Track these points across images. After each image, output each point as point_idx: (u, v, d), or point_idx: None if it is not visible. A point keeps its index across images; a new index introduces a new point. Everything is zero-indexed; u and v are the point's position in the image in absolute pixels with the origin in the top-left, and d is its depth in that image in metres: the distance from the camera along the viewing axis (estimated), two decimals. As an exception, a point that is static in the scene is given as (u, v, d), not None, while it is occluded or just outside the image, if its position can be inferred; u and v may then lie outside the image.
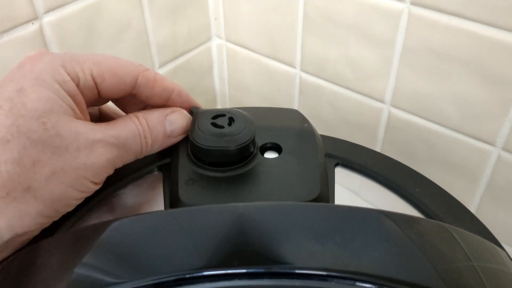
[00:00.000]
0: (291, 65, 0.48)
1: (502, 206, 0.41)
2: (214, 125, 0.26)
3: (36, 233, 0.23)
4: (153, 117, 0.26)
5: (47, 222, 0.23)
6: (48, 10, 0.37)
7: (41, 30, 0.37)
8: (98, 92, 0.26)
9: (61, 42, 0.38)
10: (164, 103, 0.28)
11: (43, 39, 0.37)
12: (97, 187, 0.24)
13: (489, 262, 0.21)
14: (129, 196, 0.29)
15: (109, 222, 0.21)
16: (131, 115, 0.26)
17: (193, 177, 0.26)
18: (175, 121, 0.27)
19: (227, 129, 0.26)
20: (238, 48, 0.52)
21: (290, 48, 0.47)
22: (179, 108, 0.28)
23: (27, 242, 0.24)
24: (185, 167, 0.26)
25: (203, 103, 0.56)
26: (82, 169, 0.23)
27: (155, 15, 0.45)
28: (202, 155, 0.26)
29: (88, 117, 0.25)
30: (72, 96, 0.24)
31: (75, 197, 0.23)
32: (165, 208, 0.26)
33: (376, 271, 0.18)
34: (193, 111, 0.28)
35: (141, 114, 0.26)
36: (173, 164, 0.27)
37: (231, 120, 0.27)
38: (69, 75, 0.24)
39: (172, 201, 0.25)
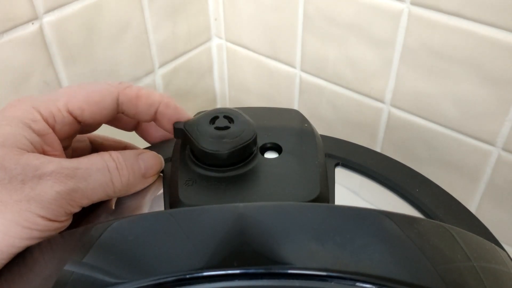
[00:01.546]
0: (291, 65, 0.48)
1: (502, 206, 0.41)
2: (214, 127, 0.26)
3: None
4: (127, 153, 0.25)
5: None
6: (48, 10, 0.37)
7: (41, 30, 0.37)
8: (80, 123, 0.26)
9: (61, 42, 0.38)
10: (152, 118, 0.27)
11: (43, 39, 0.37)
12: (53, 225, 0.22)
13: (489, 262, 0.21)
14: (129, 196, 0.29)
15: (109, 222, 0.21)
16: (102, 152, 0.25)
17: (193, 177, 0.26)
18: (148, 160, 0.26)
19: (227, 130, 0.26)
20: (238, 48, 0.52)
21: (290, 48, 0.47)
22: (148, 150, 0.27)
23: None
24: (185, 167, 0.26)
25: (203, 103, 0.57)
26: (25, 202, 0.21)
27: (155, 15, 0.45)
28: (204, 158, 0.26)
29: (62, 155, 0.25)
30: (41, 135, 0.24)
31: (21, 234, 0.21)
32: (165, 208, 0.26)
33: (376, 272, 0.18)
34: (175, 126, 0.28)
35: (114, 151, 0.25)
36: (173, 164, 0.27)
37: (230, 121, 0.27)
38: (42, 115, 0.24)
39: (172, 201, 0.25)
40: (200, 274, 0.18)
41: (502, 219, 0.42)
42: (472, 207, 0.43)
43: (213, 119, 0.27)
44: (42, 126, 0.24)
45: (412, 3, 0.37)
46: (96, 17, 0.40)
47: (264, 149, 0.28)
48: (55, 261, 0.21)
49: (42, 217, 0.22)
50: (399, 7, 0.38)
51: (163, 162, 0.27)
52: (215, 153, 0.25)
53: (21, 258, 0.22)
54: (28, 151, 0.23)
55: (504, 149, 0.38)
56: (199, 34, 0.51)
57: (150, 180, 0.26)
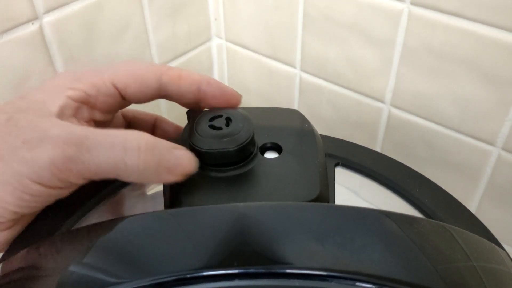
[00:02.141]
0: (291, 65, 0.48)
1: (502, 206, 0.41)
2: (212, 127, 0.26)
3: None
4: (161, 142, 0.23)
5: None
6: (48, 10, 0.37)
7: (41, 30, 0.37)
8: (123, 98, 0.26)
9: (61, 42, 0.38)
10: (196, 98, 0.27)
11: (43, 39, 0.37)
12: (49, 192, 0.21)
13: (489, 262, 0.21)
14: (129, 196, 0.29)
15: (109, 222, 0.21)
16: (134, 130, 0.23)
17: (193, 177, 0.26)
18: (181, 158, 0.24)
19: (225, 130, 0.26)
20: (238, 48, 0.52)
21: (290, 48, 0.47)
22: (186, 149, 0.25)
23: None
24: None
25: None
26: (17, 163, 0.20)
27: (155, 15, 0.45)
28: (202, 158, 0.26)
29: (91, 125, 0.25)
30: (76, 105, 0.24)
31: (14, 196, 0.21)
32: (165, 208, 0.26)
33: (376, 271, 0.18)
34: (188, 114, 0.28)
35: (147, 134, 0.23)
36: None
37: (228, 120, 0.27)
38: (83, 85, 0.25)
39: (172, 201, 0.25)
40: (200, 274, 0.18)
41: (502, 219, 0.42)
42: (472, 207, 0.43)
43: (214, 118, 0.27)
44: (79, 95, 0.24)
45: (412, 3, 0.37)
46: (96, 17, 0.40)
47: (264, 149, 0.28)
48: (55, 260, 0.21)
49: (35, 182, 0.21)
50: (399, 7, 0.38)
51: (196, 167, 0.25)
52: (211, 152, 0.25)
53: (21, 258, 0.22)
54: (51, 117, 0.22)
55: (504, 149, 0.38)
56: (199, 34, 0.51)
57: (175, 178, 0.24)
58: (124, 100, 0.26)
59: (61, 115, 0.23)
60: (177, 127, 0.32)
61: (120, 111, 0.30)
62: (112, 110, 0.27)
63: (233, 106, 0.28)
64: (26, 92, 0.24)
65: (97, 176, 0.22)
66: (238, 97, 0.28)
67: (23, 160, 0.20)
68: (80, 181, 0.22)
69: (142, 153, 0.22)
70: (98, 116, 0.26)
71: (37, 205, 0.22)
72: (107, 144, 0.21)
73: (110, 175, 0.22)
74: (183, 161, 0.24)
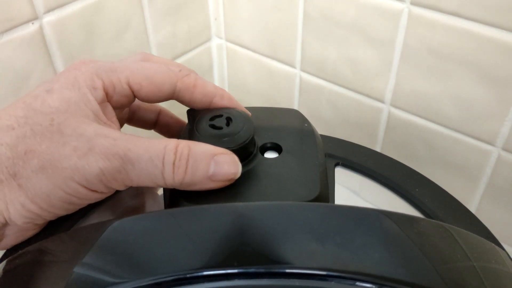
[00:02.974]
0: (291, 65, 0.48)
1: (502, 206, 0.41)
2: (213, 126, 0.26)
3: (23, 231, 0.23)
4: (200, 150, 0.24)
5: (33, 218, 0.23)
6: (48, 10, 0.37)
7: (41, 30, 0.37)
8: (136, 97, 0.26)
9: (61, 42, 0.38)
10: (207, 107, 0.28)
11: (43, 39, 0.37)
12: (93, 195, 0.23)
13: (489, 262, 0.21)
14: (129, 196, 0.29)
15: (109, 222, 0.21)
16: (173, 139, 0.24)
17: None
18: (222, 164, 0.24)
19: (225, 130, 0.26)
20: (238, 48, 0.52)
21: (290, 48, 0.47)
22: (232, 153, 0.25)
23: (19, 241, 0.24)
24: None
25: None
26: (69, 170, 0.22)
27: (155, 15, 0.45)
28: None
29: (117, 124, 0.26)
30: (100, 103, 0.24)
31: (62, 198, 0.22)
32: (165, 208, 0.26)
33: (376, 271, 0.18)
34: (189, 113, 0.28)
35: (186, 142, 0.24)
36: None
37: (228, 120, 0.27)
38: (103, 83, 0.25)
39: (172, 201, 0.25)
40: (200, 274, 0.18)
41: (502, 219, 0.42)
42: (472, 207, 0.43)
43: (214, 118, 0.27)
44: (101, 94, 0.25)
45: (412, 3, 0.37)
46: (96, 17, 0.40)
47: (264, 149, 0.28)
48: (55, 260, 0.21)
49: (84, 187, 0.22)
50: (399, 7, 0.38)
51: (240, 170, 0.25)
52: None
53: (22, 258, 0.22)
54: (88, 119, 0.23)
55: (504, 149, 0.38)
56: (199, 34, 0.51)
57: (220, 184, 0.24)
58: (135, 99, 0.27)
59: (97, 119, 0.24)
60: (179, 121, 0.32)
61: None
62: (121, 109, 0.27)
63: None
64: (48, 84, 0.24)
65: (138, 185, 0.23)
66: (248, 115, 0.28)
67: (75, 168, 0.22)
68: (122, 188, 0.23)
69: (178, 168, 0.23)
70: (113, 114, 0.26)
71: (77, 207, 0.24)
72: (146, 157, 0.22)
73: (150, 185, 0.23)
74: (225, 168, 0.24)
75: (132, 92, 0.26)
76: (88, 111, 0.24)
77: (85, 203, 0.24)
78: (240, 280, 0.18)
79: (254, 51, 0.50)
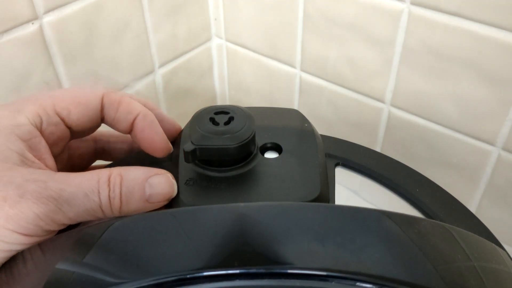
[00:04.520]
0: (291, 65, 0.48)
1: (502, 206, 0.41)
2: (214, 122, 0.26)
3: None
4: (132, 176, 0.23)
5: None
6: (48, 10, 0.37)
7: (41, 30, 0.37)
8: (68, 126, 0.25)
9: (61, 42, 0.38)
10: (130, 127, 0.27)
11: (43, 39, 0.37)
12: (31, 239, 0.22)
13: (489, 262, 0.21)
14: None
15: (109, 222, 0.21)
16: (104, 170, 0.23)
17: (193, 177, 0.26)
18: (156, 186, 0.24)
19: (226, 127, 0.26)
20: (238, 48, 0.52)
21: (290, 48, 0.47)
22: (165, 171, 0.25)
23: None
24: (185, 167, 0.26)
25: (203, 103, 0.57)
26: (2, 220, 0.21)
27: (155, 15, 0.45)
28: (202, 154, 0.26)
29: (49, 159, 0.24)
30: (26, 140, 0.23)
31: (1, 247, 0.21)
32: (165, 208, 0.26)
33: (376, 271, 0.18)
34: (185, 150, 0.27)
35: (117, 170, 0.23)
36: (173, 164, 0.27)
37: (230, 117, 0.27)
38: (28, 117, 0.24)
39: (172, 201, 0.25)
40: (200, 274, 0.18)
41: (502, 219, 0.42)
42: (472, 207, 0.43)
43: (215, 115, 0.27)
44: (27, 130, 0.23)
45: (412, 3, 0.37)
46: (96, 17, 0.40)
47: (264, 149, 0.28)
48: (55, 261, 0.21)
49: (20, 233, 0.22)
50: (399, 7, 0.38)
51: (176, 189, 0.25)
52: (211, 148, 0.25)
53: (22, 258, 0.22)
54: (12, 164, 0.22)
55: (504, 149, 0.38)
56: (199, 34, 0.51)
57: (159, 205, 0.24)
58: (69, 129, 0.26)
59: (23, 161, 0.23)
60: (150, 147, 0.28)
61: (91, 135, 0.29)
62: (58, 141, 0.26)
63: (160, 151, 0.27)
64: None
65: (75, 222, 0.23)
66: (161, 141, 0.27)
67: (8, 217, 0.21)
68: (60, 228, 0.23)
69: (113, 199, 0.23)
70: (45, 148, 0.25)
71: (14, 253, 0.23)
72: (82, 194, 0.22)
73: (90, 219, 0.23)
74: (160, 189, 0.24)
75: (62, 120, 0.25)
76: (12, 154, 0.22)
77: (24, 248, 0.23)
78: (241, 280, 0.18)
79: (254, 51, 0.50)
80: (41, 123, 0.24)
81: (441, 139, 0.41)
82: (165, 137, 0.27)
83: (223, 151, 0.25)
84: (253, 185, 0.25)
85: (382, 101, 0.43)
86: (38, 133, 0.24)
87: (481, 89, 0.37)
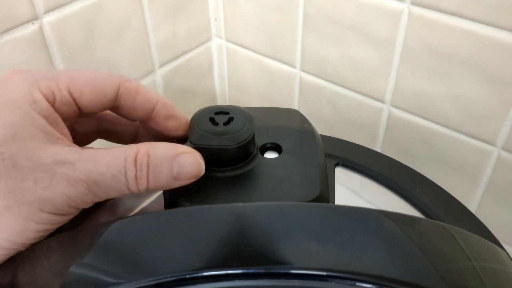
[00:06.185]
0: (291, 65, 0.48)
1: (502, 206, 0.41)
2: (213, 122, 0.26)
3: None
4: (160, 154, 0.23)
5: (8, 255, 0.22)
6: (48, 10, 0.37)
7: (41, 30, 0.37)
8: (78, 107, 0.25)
9: (61, 42, 0.38)
10: (147, 115, 0.26)
11: (43, 39, 0.37)
12: (65, 218, 0.23)
13: (489, 262, 0.21)
14: (129, 196, 0.29)
15: (109, 222, 0.21)
16: (131, 148, 0.23)
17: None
18: (185, 165, 0.24)
19: (226, 127, 0.26)
20: (238, 48, 0.52)
21: (290, 48, 0.47)
22: (193, 150, 0.24)
23: None
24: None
25: (203, 103, 0.57)
26: (37, 202, 0.21)
27: (155, 15, 0.45)
28: (201, 154, 0.26)
29: (68, 135, 0.24)
30: (45, 117, 0.23)
31: (36, 229, 0.22)
32: (165, 208, 0.26)
33: (376, 271, 0.18)
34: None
35: (145, 148, 0.23)
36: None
37: (230, 118, 0.27)
38: (42, 93, 0.23)
39: (172, 201, 0.25)
40: (200, 274, 0.18)
41: (502, 219, 0.42)
42: (472, 207, 0.43)
43: (215, 115, 0.27)
44: (44, 106, 0.23)
45: (412, 3, 0.37)
46: (96, 17, 0.40)
47: (264, 149, 0.28)
48: (55, 261, 0.21)
49: (56, 214, 0.22)
50: (399, 7, 0.38)
51: (203, 167, 0.24)
52: (210, 149, 0.25)
53: (22, 259, 0.22)
54: (39, 142, 0.22)
55: (504, 149, 0.38)
56: (199, 34, 0.51)
57: (186, 182, 0.24)
58: (79, 110, 0.25)
59: (48, 138, 0.23)
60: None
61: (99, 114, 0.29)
62: (66, 120, 0.25)
63: (182, 132, 0.27)
64: None
65: (105, 199, 0.23)
66: (186, 126, 0.27)
67: (42, 200, 0.21)
68: (88, 206, 0.23)
69: (140, 179, 0.23)
70: (62, 124, 0.25)
71: (48, 233, 0.23)
72: (109, 175, 0.22)
73: (117, 196, 0.23)
74: (188, 169, 0.24)
75: (74, 100, 0.24)
76: (36, 131, 0.22)
77: (56, 227, 0.23)
78: (240, 280, 0.18)
79: (254, 51, 0.50)
80: (54, 101, 0.24)
81: (441, 139, 0.41)
82: (186, 119, 0.27)
83: (222, 151, 0.25)
84: (253, 185, 0.25)
85: (382, 101, 0.43)
86: (53, 109, 0.23)
87: (481, 89, 0.37)
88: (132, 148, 0.23)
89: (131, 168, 0.22)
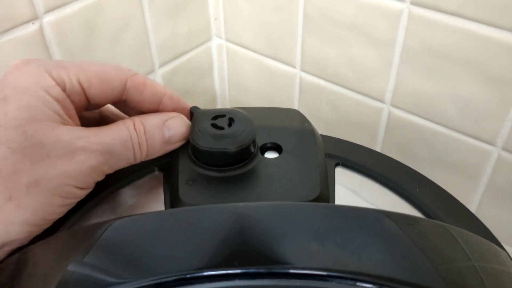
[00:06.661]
0: (291, 65, 0.48)
1: (502, 206, 0.41)
2: (214, 126, 0.26)
3: (25, 241, 0.23)
4: (152, 122, 0.26)
5: (35, 230, 0.23)
6: (48, 10, 0.37)
7: (41, 30, 0.37)
8: (87, 97, 0.26)
9: (61, 42, 0.38)
10: (155, 108, 0.27)
11: (43, 39, 0.37)
12: (84, 192, 0.24)
13: (489, 262, 0.21)
14: (129, 196, 0.29)
15: (109, 222, 0.21)
16: (128, 120, 0.25)
17: (193, 177, 0.26)
18: (174, 127, 0.26)
19: (227, 130, 0.26)
20: (238, 48, 0.52)
21: (290, 48, 0.47)
22: (178, 113, 0.27)
23: (16, 249, 0.24)
24: (185, 167, 0.26)
25: (203, 103, 0.57)
26: (62, 177, 0.23)
27: (155, 15, 0.45)
28: (202, 156, 0.26)
29: (77, 121, 0.25)
30: (58, 101, 0.24)
31: (60, 203, 0.23)
32: (165, 208, 0.26)
33: (376, 271, 0.18)
34: (192, 111, 0.28)
35: (138, 119, 0.26)
36: (173, 164, 0.27)
37: (231, 121, 0.27)
38: (54, 80, 0.24)
39: (172, 201, 0.25)
40: (200, 274, 0.18)
41: (502, 219, 0.42)
42: (472, 207, 0.43)
43: (216, 117, 0.27)
44: (57, 92, 0.24)
45: (412, 3, 0.37)
46: (96, 17, 0.40)
47: (264, 149, 0.28)
48: (55, 260, 0.21)
49: (78, 188, 0.24)
50: (399, 7, 0.38)
51: (188, 127, 0.27)
52: (211, 151, 0.25)
53: (22, 257, 0.22)
54: (55, 123, 0.23)
55: (504, 149, 0.38)
56: (199, 34, 0.51)
57: (174, 146, 0.27)
58: (87, 101, 0.26)
59: (61, 120, 0.24)
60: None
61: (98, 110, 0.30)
62: (76, 110, 0.27)
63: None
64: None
65: (113, 171, 0.25)
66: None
67: (67, 173, 0.23)
68: (102, 178, 0.25)
69: (141, 145, 0.25)
70: (73, 110, 0.26)
71: (69, 208, 0.24)
72: (119, 144, 0.24)
73: (123, 166, 0.26)
74: (178, 130, 0.27)
75: (83, 90, 0.25)
76: (52, 114, 0.23)
77: (75, 202, 0.24)
78: (241, 280, 0.18)
79: (254, 51, 0.50)
80: (65, 89, 0.25)
81: (441, 139, 0.41)
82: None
83: (224, 154, 0.26)
84: (253, 185, 0.25)
85: (382, 101, 0.43)
86: (65, 95, 0.25)
87: (481, 89, 0.37)
88: (128, 120, 0.25)
89: (134, 135, 0.25)
